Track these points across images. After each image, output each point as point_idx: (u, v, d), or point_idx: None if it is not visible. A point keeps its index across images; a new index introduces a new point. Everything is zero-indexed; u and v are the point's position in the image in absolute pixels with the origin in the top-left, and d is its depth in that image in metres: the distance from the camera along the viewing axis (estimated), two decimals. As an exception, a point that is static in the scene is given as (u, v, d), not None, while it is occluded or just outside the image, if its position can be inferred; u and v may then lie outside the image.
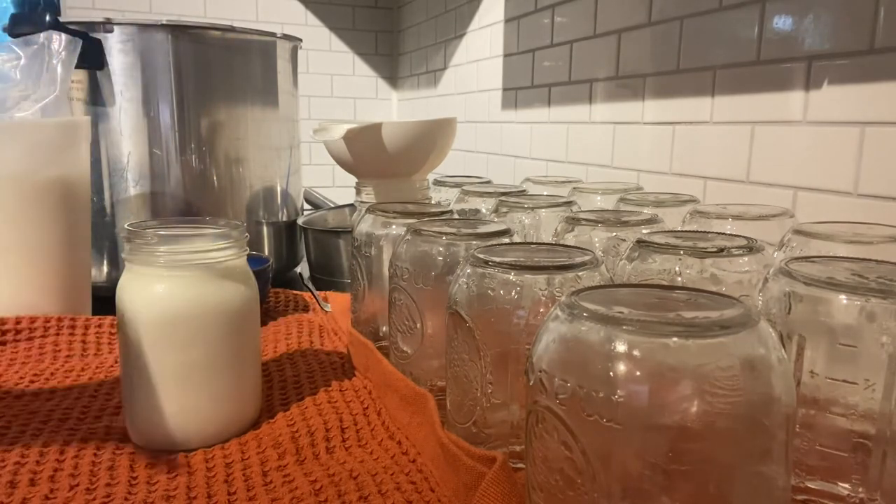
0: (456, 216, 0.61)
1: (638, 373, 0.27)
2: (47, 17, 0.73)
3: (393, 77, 1.82)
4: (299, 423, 0.48)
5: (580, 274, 0.39)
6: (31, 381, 0.55)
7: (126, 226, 0.46)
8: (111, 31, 0.77)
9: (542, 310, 0.38)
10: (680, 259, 0.43)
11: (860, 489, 0.34)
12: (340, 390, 0.54)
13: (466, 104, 1.40)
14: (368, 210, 0.60)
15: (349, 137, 0.75)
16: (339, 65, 1.77)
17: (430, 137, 0.78)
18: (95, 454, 0.44)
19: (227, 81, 0.84)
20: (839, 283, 0.34)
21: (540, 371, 0.29)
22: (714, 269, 0.43)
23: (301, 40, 0.97)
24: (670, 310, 0.29)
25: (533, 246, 0.46)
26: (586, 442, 0.27)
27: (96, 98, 0.78)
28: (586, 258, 0.40)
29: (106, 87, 0.78)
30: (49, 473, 0.41)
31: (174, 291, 0.44)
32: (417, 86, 1.68)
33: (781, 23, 0.65)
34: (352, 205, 1.00)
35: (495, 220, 0.61)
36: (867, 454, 0.34)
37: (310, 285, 0.89)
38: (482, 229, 0.50)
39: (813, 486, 0.36)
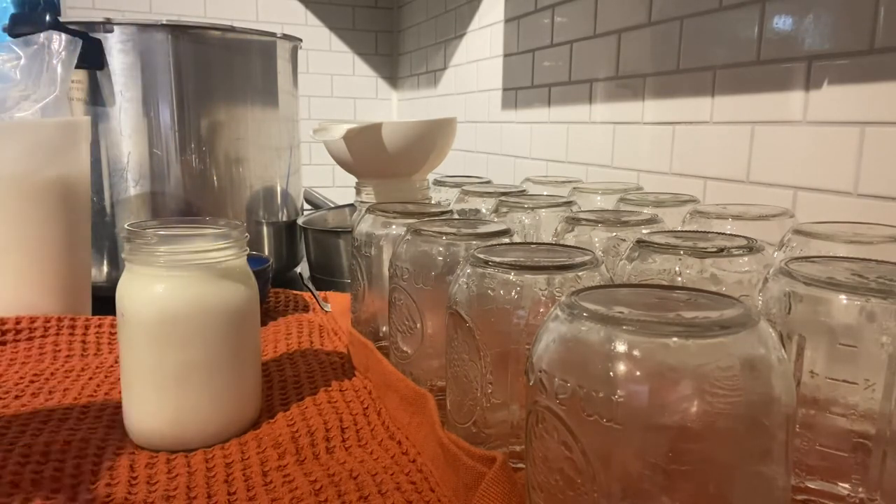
0: (456, 216, 0.61)
1: (638, 373, 0.27)
2: (47, 17, 0.73)
3: (393, 77, 1.82)
4: (299, 423, 0.48)
5: (580, 274, 0.39)
6: (31, 381, 0.55)
7: (126, 226, 0.46)
8: (111, 31, 0.77)
9: (542, 310, 0.38)
10: (680, 259, 0.43)
11: (860, 489, 0.34)
12: (340, 390, 0.54)
13: (466, 104, 1.40)
14: (368, 210, 0.60)
15: (349, 137, 0.75)
16: (339, 65, 1.77)
17: (430, 137, 0.78)
18: (96, 454, 0.44)
19: (227, 81, 0.84)
20: (839, 283, 0.34)
21: (540, 371, 0.29)
22: (714, 269, 0.43)
23: (301, 40, 0.97)
24: (670, 310, 0.29)
25: (533, 246, 0.46)
26: (586, 442, 0.27)
27: (96, 98, 0.79)
28: (586, 258, 0.40)
29: (106, 87, 0.78)
30: (49, 473, 0.41)
31: (174, 291, 0.44)
32: (417, 86, 1.68)
33: (781, 23, 0.65)
34: (352, 205, 1.00)
35: (495, 220, 0.61)
36: (867, 454, 0.34)
37: (310, 285, 0.89)
38: (482, 229, 0.50)
39: (813, 486, 0.36)
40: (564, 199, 0.65)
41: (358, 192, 0.80)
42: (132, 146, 0.80)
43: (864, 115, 0.58)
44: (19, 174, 0.66)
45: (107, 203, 0.81)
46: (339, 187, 1.70)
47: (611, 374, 0.27)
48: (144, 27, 0.78)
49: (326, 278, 0.92)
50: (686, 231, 0.50)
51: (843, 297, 0.33)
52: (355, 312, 0.64)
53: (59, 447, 0.44)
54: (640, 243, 0.45)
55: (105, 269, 0.82)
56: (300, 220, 0.98)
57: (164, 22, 0.78)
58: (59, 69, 0.68)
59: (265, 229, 0.92)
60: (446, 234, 0.48)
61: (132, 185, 0.80)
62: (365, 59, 1.79)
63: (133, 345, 0.44)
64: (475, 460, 0.37)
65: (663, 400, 0.26)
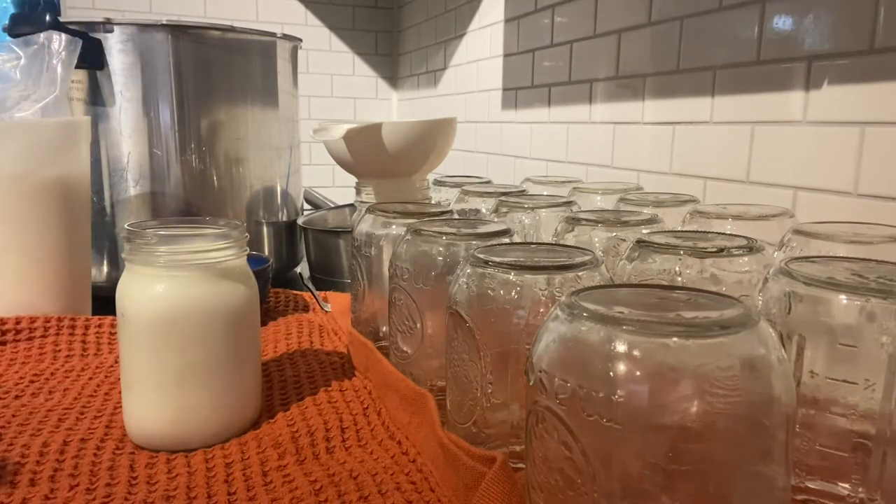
0: (456, 216, 0.61)
1: (638, 373, 0.27)
2: (47, 17, 0.73)
3: (393, 77, 1.82)
4: (299, 423, 0.48)
5: (580, 274, 0.39)
6: (31, 381, 0.55)
7: (126, 226, 0.46)
8: (111, 31, 0.77)
9: (542, 310, 0.38)
10: (680, 259, 0.43)
11: (860, 489, 0.34)
12: (340, 390, 0.54)
13: (466, 104, 1.40)
14: (368, 210, 0.60)
15: (349, 137, 0.75)
16: (339, 65, 1.77)
17: (430, 137, 0.78)
18: (95, 454, 0.44)
19: (227, 81, 0.84)
20: (839, 283, 0.34)
21: (540, 371, 0.29)
22: (714, 269, 0.43)
23: (301, 40, 0.97)
24: (670, 310, 0.29)
25: (533, 246, 0.46)
26: (586, 442, 0.27)
27: (96, 98, 0.79)
28: (586, 258, 0.40)
29: (106, 87, 0.78)
30: (49, 473, 0.41)
31: (174, 291, 0.44)
32: (417, 86, 1.68)
33: (781, 23, 0.65)
34: (352, 205, 1.00)
35: (495, 220, 0.61)
36: (867, 454, 0.34)
37: (310, 285, 0.89)
38: (482, 229, 0.50)
39: (813, 486, 0.36)
40: (564, 199, 0.65)
41: (358, 192, 0.80)
42: (132, 146, 0.80)
43: (864, 115, 0.58)
44: (19, 174, 0.66)
45: (107, 203, 0.81)
46: (339, 187, 1.70)
47: (611, 374, 0.27)
48: (144, 27, 0.78)
49: (326, 278, 0.92)
50: (686, 231, 0.50)
51: (843, 297, 0.33)
52: (355, 312, 0.64)
53: (59, 447, 0.44)
54: (640, 243, 0.45)
55: (105, 269, 0.82)
56: (300, 220, 0.98)
57: (164, 22, 0.78)
58: (59, 69, 0.68)
59: (265, 229, 0.92)
60: (446, 234, 0.48)
61: (132, 185, 0.80)
62: (365, 59, 1.79)
63: (133, 345, 0.44)
64: (475, 460, 0.37)
65: (663, 400, 0.26)
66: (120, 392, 0.48)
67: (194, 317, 0.44)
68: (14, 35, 0.73)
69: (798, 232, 0.46)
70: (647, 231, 0.51)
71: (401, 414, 0.47)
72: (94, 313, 0.72)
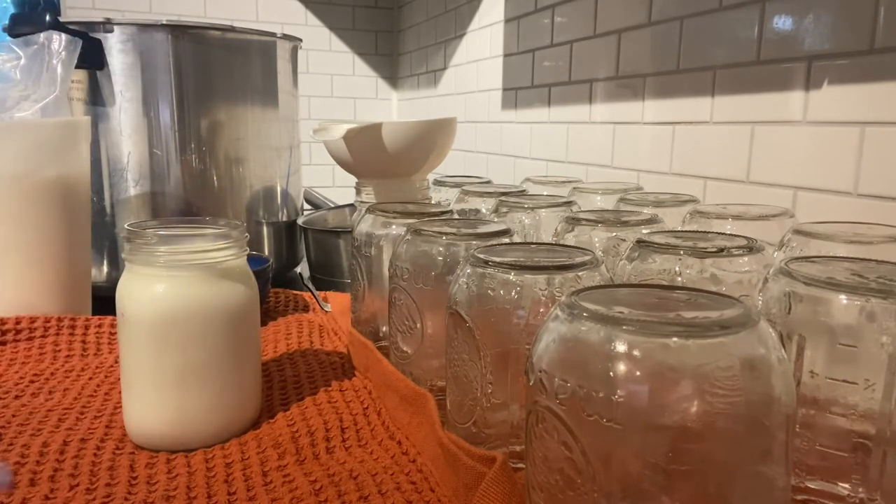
0: (456, 216, 0.61)
1: (638, 373, 0.27)
2: (47, 17, 0.73)
3: (393, 77, 1.82)
4: (299, 423, 0.48)
5: (580, 274, 0.39)
6: (31, 381, 0.55)
7: (126, 226, 0.46)
8: (111, 31, 0.77)
9: (542, 310, 0.38)
10: (680, 259, 0.43)
11: (860, 489, 0.34)
12: (340, 390, 0.54)
13: (466, 104, 1.40)
14: (368, 210, 0.60)
15: (349, 137, 0.75)
16: (339, 65, 1.77)
17: (430, 137, 0.78)
18: (95, 454, 0.44)
19: (227, 81, 0.84)
20: (839, 283, 0.34)
21: (540, 371, 0.29)
22: (714, 269, 0.43)
23: (301, 40, 0.97)
24: (670, 310, 0.29)
25: (533, 246, 0.46)
26: (586, 442, 0.27)
27: (96, 98, 0.79)
28: (586, 258, 0.40)
29: (106, 87, 0.78)
30: (49, 473, 0.41)
31: (174, 291, 0.44)
32: (417, 86, 1.68)
33: (781, 23, 0.65)
34: (352, 205, 1.00)
35: (495, 220, 0.61)
36: (867, 454, 0.34)
37: (310, 285, 0.89)
38: (482, 229, 0.50)
39: (813, 486, 0.36)
40: (564, 199, 0.65)
41: (358, 192, 0.80)
42: (132, 146, 0.80)
43: (864, 115, 0.58)
44: (19, 174, 0.66)
45: (107, 203, 0.81)
46: (339, 187, 1.70)
47: (611, 374, 0.27)
48: (144, 27, 0.78)
49: (326, 278, 0.92)
50: (686, 231, 0.50)
51: (843, 297, 0.33)
52: (355, 312, 0.64)
53: (59, 447, 0.44)
54: (640, 243, 0.45)
55: (105, 269, 0.82)
56: (300, 220, 0.98)
57: (164, 22, 0.78)
58: (59, 69, 0.68)
59: (265, 229, 0.92)
60: (446, 234, 0.48)
61: (132, 185, 0.80)
62: (365, 59, 1.79)
63: (133, 345, 0.44)
64: (475, 460, 0.37)
65: (663, 400, 0.26)
66: (120, 392, 0.48)
67: (194, 317, 0.44)
68: (14, 35, 0.73)
69: (798, 232, 0.46)
70: (647, 231, 0.51)
71: (401, 414, 0.47)
72: (94, 313, 0.72)
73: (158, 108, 0.80)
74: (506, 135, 1.24)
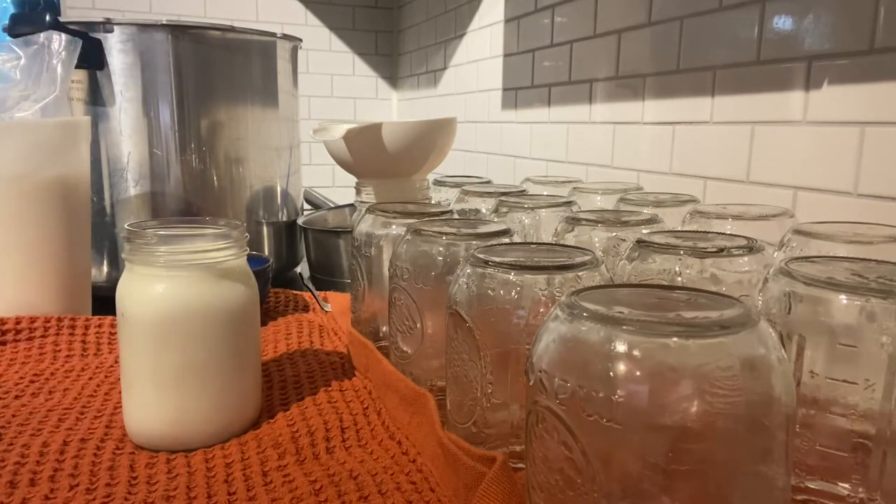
0: (456, 216, 0.61)
1: (638, 373, 0.26)
2: (47, 17, 0.73)
3: (393, 77, 1.82)
4: (299, 423, 0.48)
5: (580, 274, 0.39)
6: (31, 381, 0.55)
7: (126, 226, 0.46)
8: (111, 31, 0.77)
9: (542, 310, 0.38)
10: (680, 259, 0.43)
11: (860, 489, 0.34)
12: (340, 390, 0.54)
13: (466, 104, 1.40)
14: (368, 210, 0.60)
15: (349, 137, 0.75)
16: (339, 65, 1.77)
17: (430, 137, 0.78)
18: (95, 454, 0.44)
19: (227, 81, 0.84)
20: (839, 283, 0.34)
21: (540, 371, 0.29)
22: (714, 269, 0.43)
23: (301, 40, 0.97)
24: (670, 310, 0.29)
25: (533, 246, 0.46)
26: (586, 442, 0.27)
27: (96, 98, 0.79)
28: (586, 258, 0.40)
29: (106, 87, 0.78)
30: (49, 473, 0.41)
31: (174, 291, 0.44)
32: (417, 86, 1.68)
33: (781, 23, 0.65)
34: (352, 205, 1.00)
35: (495, 220, 0.61)
36: (867, 454, 0.34)
37: (310, 285, 0.89)
38: (482, 229, 0.50)
39: (813, 486, 0.36)
40: (564, 199, 0.65)
41: (358, 192, 0.80)
42: (132, 146, 0.80)
43: (864, 115, 0.58)
44: (19, 174, 0.66)
45: (107, 203, 0.81)
46: (339, 187, 1.70)
47: (611, 374, 0.27)
48: (144, 27, 0.78)
49: (326, 278, 0.92)
50: (686, 231, 0.50)
51: (843, 297, 0.33)
52: (355, 312, 0.64)
53: (59, 447, 0.44)
54: (640, 243, 0.45)
55: (105, 269, 0.82)
56: (300, 220, 0.98)
57: (164, 22, 0.78)
58: (59, 69, 0.68)
59: (265, 229, 0.92)
60: (446, 234, 0.48)
61: (132, 185, 0.80)
62: (365, 59, 1.79)
63: (133, 345, 0.44)
64: (475, 460, 0.37)
65: (663, 400, 0.26)
66: (120, 392, 0.48)
67: (194, 317, 0.44)
68: (14, 35, 0.73)
69: (798, 232, 0.46)
70: (647, 231, 0.51)
71: (401, 414, 0.47)
72: (94, 313, 0.72)
73: (158, 108, 0.80)
74: (506, 135, 1.24)
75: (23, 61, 0.68)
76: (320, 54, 1.74)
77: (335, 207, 1.14)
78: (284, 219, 0.95)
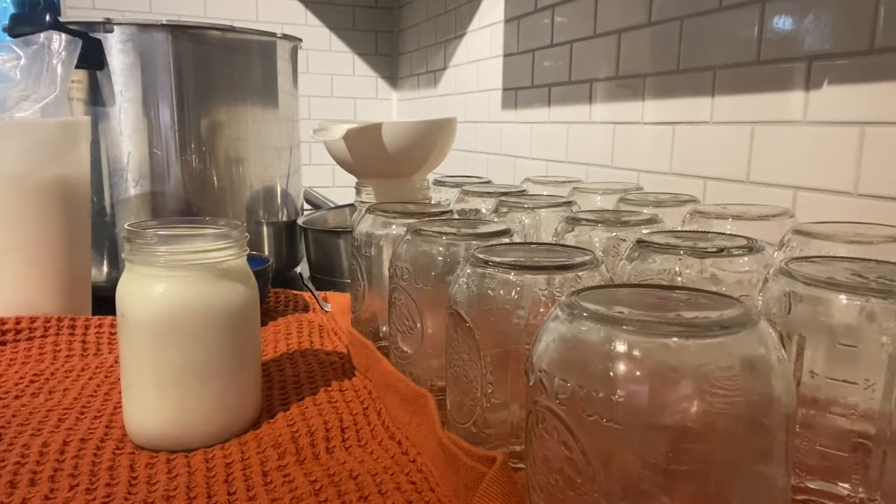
0: (456, 216, 0.61)
1: (638, 373, 0.26)
2: (47, 17, 0.73)
3: (393, 77, 1.82)
4: (299, 423, 0.48)
5: (580, 274, 0.39)
6: (31, 381, 0.55)
7: (126, 226, 0.46)
8: (111, 31, 0.77)
9: (542, 310, 0.38)
10: (680, 259, 0.43)
11: (860, 489, 0.34)
12: (340, 390, 0.54)
13: (466, 104, 1.40)
14: (368, 210, 0.60)
15: (349, 137, 0.75)
16: (339, 65, 1.77)
17: (430, 137, 0.78)
18: (95, 454, 0.44)
19: (227, 81, 0.84)
20: (839, 283, 0.34)
21: (540, 371, 0.29)
22: (714, 269, 0.43)
23: (301, 40, 0.97)
24: (670, 310, 0.29)
25: (533, 246, 0.46)
26: (586, 442, 0.27)
27: (96, 98, 0.79)
28: (586, 258, 0.40)
29: (106, 87, 0.78)
30: (49, 473, 0.41)
31: (174, 291, 0.44)
32: (417, 86, 1.68)
33: (781, 23, 0.65)
34: (352, 205, 1.00)
35: (495, 220, 0.61)
36: (867, 454, 0.34)
37: (310, 285, 0.89)
38: (482, 229, 0.50)
39: (813, 486, 0.36)
40: (564, 199, 0.65)
41: (358, 192, 0.80)
42: (132, 146, 0.80)
43: (864, 115, 0.58)
44: (19, 174, 0.66)
45: (107, 203, 0.81)
46: (339, 187, 1.70)
47: (611, 374, 0.27)
48: (144, 27, 0.78)
49: (326, 278, 0.92)
50: (686, 231, 0.50)
51: (843, 297, 0.33)
52: (355, 312, 0.64)
53: (59, 447, 0.44)
54: (640, 243, 0.45)
55: (105, 269, 0.82)
56: (300, 220, 0.98)
57: (164, 22, 0.78)
58: (59, 69, 0.68)
59: (265, 229, 0.92)
60: (446, 234, 0.48)
61: (132, 185, 0.80)
62: (365, 59, 1.79)
63: (133, 345, 0.44)
64: (475, 460, 0.37)
65: (663, 400, 0.26)
66: (120, 392, 0.48)
67: (194, 317, 0.44)
68: (14, 35, 0.73)
69: (798, 232, 0.46)
70: (647, 231, 0.51)
71: (401, 414, 0.47)
72: (94, 313, 0.72)
73: (158, 108, 0.80)
74: (506, 135, 1.24)
75: (23, 61, 0.68)
76: (320, 54, 1.74)
77: (335, 207, 1.14)
78: (284, 219, 0.95)
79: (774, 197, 0.66)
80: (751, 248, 0.43)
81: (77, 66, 0.71)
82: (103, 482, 0.40)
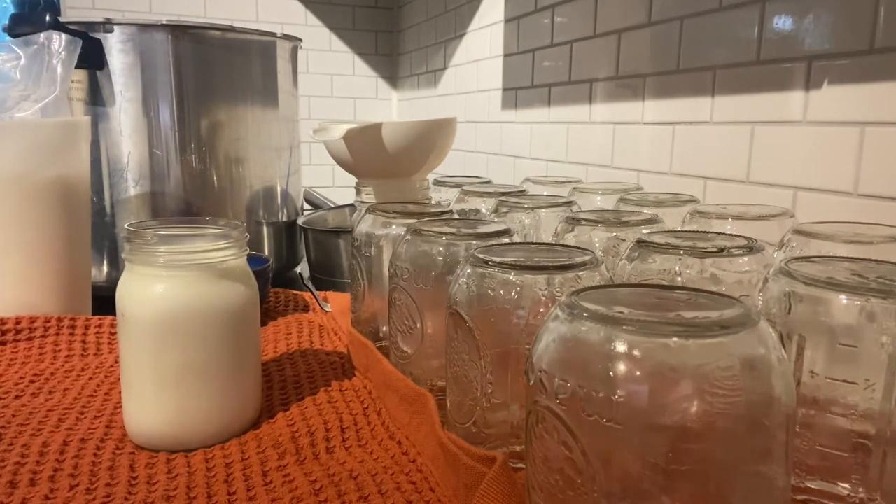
0: (456, 216, 0.61)
1: (638, 373, 0.26)
2: (47, 17, 0.73)
3: (393, 77, 1.82)
4: (299, 423, 0.48)
5: (580, 274, 0.39)
6: (31, 381, 0.55)
7: (126, 226, 0.46)
8: (111, 31, 0.77)
9: (542, 310, 0.38)
10: (680, 259, 0.43)
11: (860, 489, 0.34)
12: (340, 390, 0.54)
13: (466, 104, 1.40)
14: (368, 210, 0.60)
15: (349, 137, 0.75)
16: (339, 65, 1.77)
17: (430, 137, 0.78)
18: (95, 454, 0.44)
19: (227, 81, 0.84)
20: (839, 283, 0.34)
21: (540, 371, 0.29)
22: (714, 269, 0.43)
23: (301, 40, 0.97)
24: (670, 310, 0.29)
25: (533, 246, 0.46)
26: (586, 442, 0.27)
27: (96, 98, 0.79)
28: (586, 258, 0.40)
29: (106, 87, 0.78)
30: (49, 473, 0.41)
31: (174, 291, 0.44)
32: (417, 86, 1.68)
33: (781, 23, 0.65)
34: (352, 205, 1.00)
35: (495, 220, 0.61)
36: (867, 454, 0.34)
37: (310, 285, 0.89)
38: (482, 229, 0.50)
39: (813, 486, 0.36)
40: (564, 199, 0.65)
41: (358, 192, 0.80)
42: (132, 146, 0.80)
43: (864, 115, 0.58)
44: (19, 174, 0.66)
45: (107, 203, 0.81)
46: (339, 187, 1.70)
47: (611, 374, 0.27)
48: (144, 27, 0.78)
49: (326, 278, 0.92)
50: (686, 231, 0.50)
51: (843, 297, 0.33)
52: (355, 312, 0.64)
53: (59, 447, 0.44)
54: (640, 243, 0.45)
55: (105, 269, 0.82)
56: (300, 220, 0.98)
57: (164, 22, 0.78)
58: (59, 69, 0.68)
59: (265, 229, 0.92)
60: (446, 234, 0.48)
61: (132, 185, 0.80)
62: (365, 59, 1.79)
63: (133, 345, 0.44)
64: (475, 460, 0.37)
65: (663, 400, 0.26)
66: (120, 392, 0.48)
67: (194, 317, 0.44)
68: (14, 35, 0.73)
69: (798, 232, 0.46)
70: (647, 231, 0.51)
71: (401, 414, 0.47)
72: (94, 313, 0.72)
73: (158, 108, 0.80)
74: (506, 135, 1.24)
75: (23, 61, 0.68)
76: (320, 54, 1.74)
77: (335, 207, 1.14)
78: (284, 219, 0.95)
79: (774, 197, 0.66)
80: (751, 248, 0.43)
81: (77, 66, 0.71)
82: (103, 482, 0.40)
